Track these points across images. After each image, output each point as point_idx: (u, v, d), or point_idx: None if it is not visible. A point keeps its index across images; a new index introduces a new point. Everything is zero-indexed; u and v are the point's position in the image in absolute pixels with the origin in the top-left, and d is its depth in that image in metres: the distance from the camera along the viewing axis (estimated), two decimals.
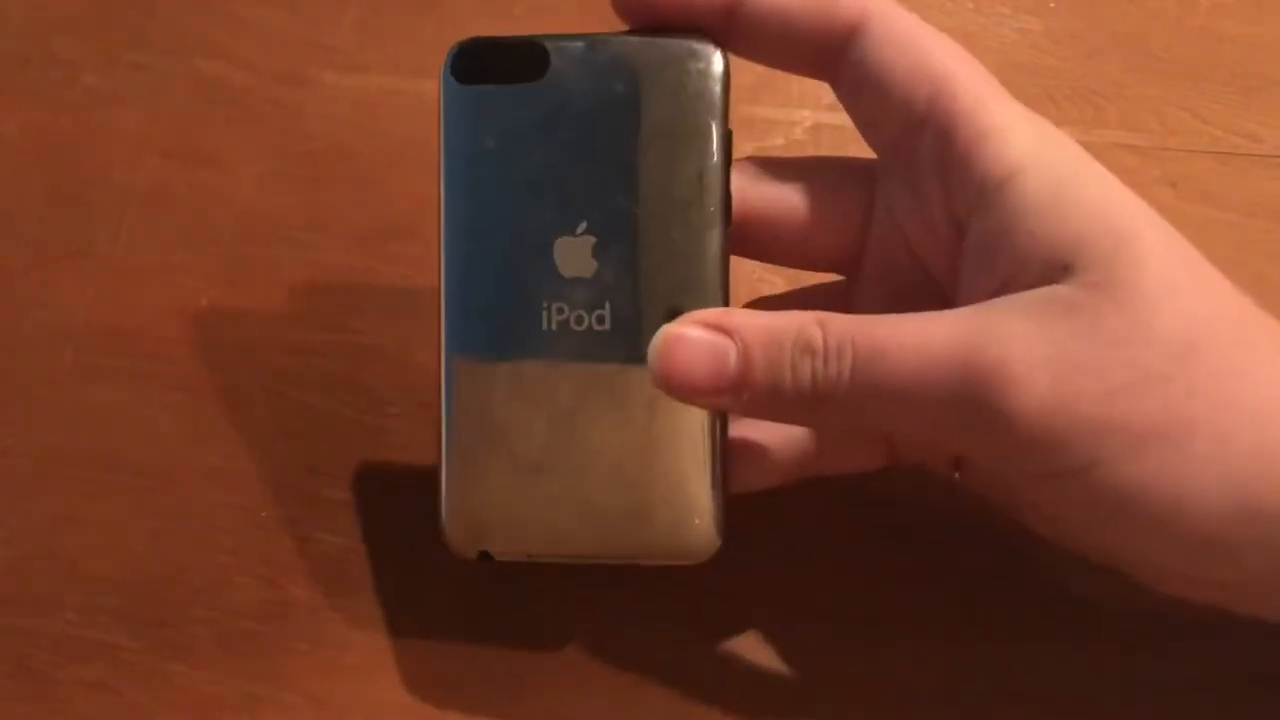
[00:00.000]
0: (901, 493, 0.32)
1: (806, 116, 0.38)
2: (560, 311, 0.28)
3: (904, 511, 0.33)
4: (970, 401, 0.24)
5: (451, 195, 0.29)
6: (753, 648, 0.32)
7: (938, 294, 0.28)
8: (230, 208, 0.38)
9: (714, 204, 0.28)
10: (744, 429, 0.29)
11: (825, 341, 0.25)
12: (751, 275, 0.35)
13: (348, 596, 0.33)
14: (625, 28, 0.28)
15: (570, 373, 0.28)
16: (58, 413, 0.36)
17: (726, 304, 0.28)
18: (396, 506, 0.34)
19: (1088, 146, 0.26)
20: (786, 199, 0.29)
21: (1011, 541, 0.31)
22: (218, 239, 0.37)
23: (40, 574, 0.34)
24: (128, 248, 0.38)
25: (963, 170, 0.26)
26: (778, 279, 0.35)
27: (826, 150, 0.37)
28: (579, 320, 0.28)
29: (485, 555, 0.29)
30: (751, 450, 0.29)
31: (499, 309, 0.28)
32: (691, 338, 0.26)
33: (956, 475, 0.30)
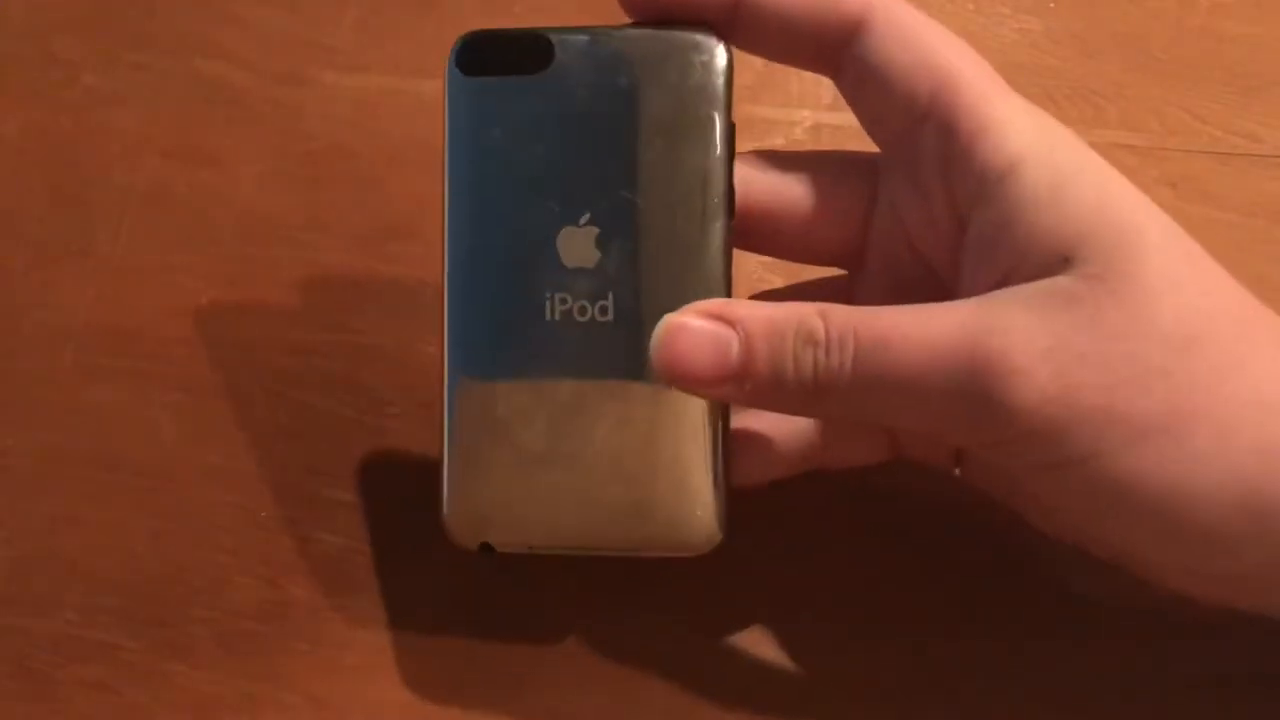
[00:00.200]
0: (902, 489, 0.32)
1: (806, 116, 0.38)
2: (563, 302, 0.28)
3: (905, 508, 0.33)
4: (972, 392, 0.24)
5: (455, 186, 0.29)
6: (753, 644, 0.32)
7: (939, 288, 0.28)
8: (230, 208, 0.38)
9: (717, 196, 0.28)
10: (747, 420, 0.29)
11: (828, 332, 0.25)
12: (752, 275, 0.35)
13: (348, 596, 0.33)
14: (628, 23, 0.28)
15: (573, 363, 0.28)
16: (58, 413, 0.36)
17: (729, 295, 0.28)
18: (396, 506, 0.34)
19: None
20: (789, 192, 0.29)
21: (1012, 539, 0.31)
22: (218, 239, 0.37)
23: (40, 574, 0.34)
24: (128, 248, 0.38)
25: (964, 163, 0.26)
26: (778, 279, 0.35)
27: None
28: (582, 311, 0.28)
29: (486, 546, 0.29)
30: (754, 442, 0.29)
31: (502, 299, 0.28)
32: (694, 327, 0.26)
33: (957, 471, 0.30)
